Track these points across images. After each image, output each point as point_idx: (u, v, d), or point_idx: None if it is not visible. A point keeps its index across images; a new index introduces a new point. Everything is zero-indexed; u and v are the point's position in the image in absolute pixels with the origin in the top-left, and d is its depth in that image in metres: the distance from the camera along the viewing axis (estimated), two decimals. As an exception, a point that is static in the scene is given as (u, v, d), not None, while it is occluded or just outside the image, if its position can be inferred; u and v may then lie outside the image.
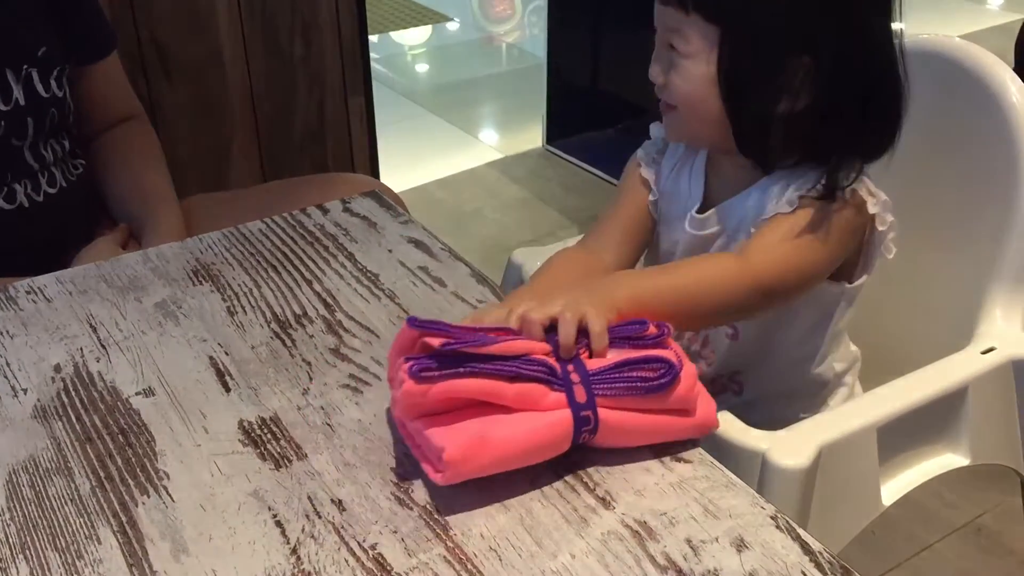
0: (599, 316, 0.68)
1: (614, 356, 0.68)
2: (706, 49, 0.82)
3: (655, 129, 0.98)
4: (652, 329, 0.69)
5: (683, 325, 0.81)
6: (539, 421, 0.64)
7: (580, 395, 0.65)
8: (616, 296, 0.73)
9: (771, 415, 0.96)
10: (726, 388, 0.96)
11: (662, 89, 0.87)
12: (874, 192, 0.85)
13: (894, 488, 0.86)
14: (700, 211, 0.92)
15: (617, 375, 0.66)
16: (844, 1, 0.81)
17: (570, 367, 0.66)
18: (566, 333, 0.67)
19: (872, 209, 0.84)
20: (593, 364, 0.67)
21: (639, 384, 0.66)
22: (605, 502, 0.63)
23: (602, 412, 0.65)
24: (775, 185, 0.86)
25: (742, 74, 0.82)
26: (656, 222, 0.97)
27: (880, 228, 0.85)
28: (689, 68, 0.83)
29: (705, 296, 0.79)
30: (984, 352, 0.89)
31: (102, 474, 0.67)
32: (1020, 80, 0.94)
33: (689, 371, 0.67)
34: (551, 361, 0.66)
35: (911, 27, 0.88)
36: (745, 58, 0.81)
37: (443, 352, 0.63)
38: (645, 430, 0.67)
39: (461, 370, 0.63)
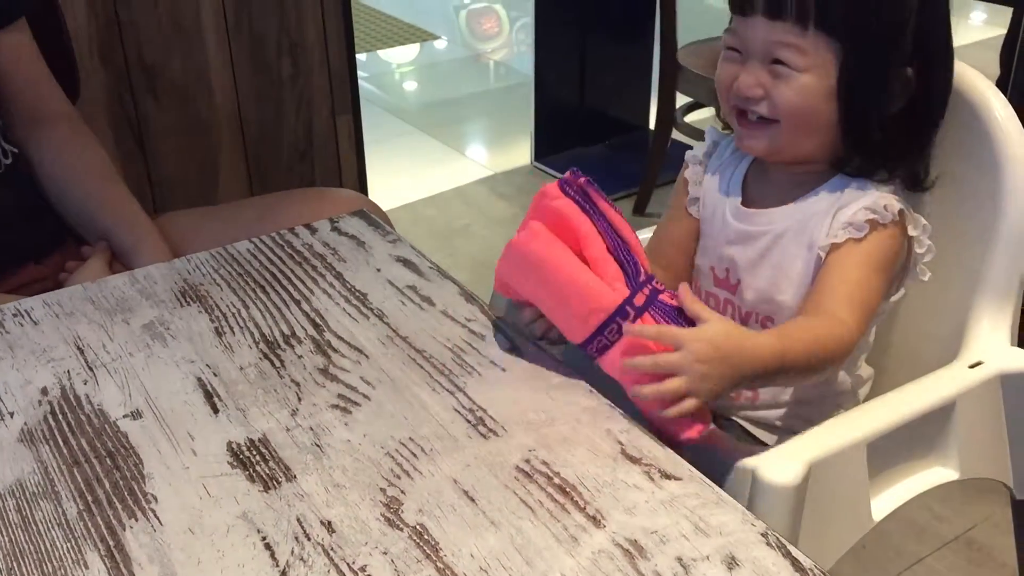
0: (697, 397, 0.73)
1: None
2: (825, 64, 0.85)
3: (710, 133, 1.01)
4: None
5: (785, 383, 0.90)
6: (594, 279, 0.76)
7: (639, 300, 0.76)
8: (749, 379, 0.78)
9: (779, 428, 0.96)
10: (740, 394, 0.97)
11: (757, 102, 0.87)
12: (914, 216, 0.88)
13: (884, 503, 0.86)
14: (745, 206, 0.94)
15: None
16: (937, 14, 0.88)
17: (648, 287, 0.77)
18: (660, 391, 0.73)
19: (912, 232, 0.88)
20: (667, 302, 0.78)
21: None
22: (595, 520, 0.63)
23: (630, 337, 0.74)
24: (829, 198, 0.89)
25: (864, 84, 0.85)
26: (700, 219, 1.00)
27: (918, 251, 0.89)
28: (805, 81, 0.85)
29: (817, 361, 0.82)
30: (972, 366, 0.89)
31: (89, 498, 0.67)
32: (1003, 95, 0.95)
33: None
34: (644, 275, 0.77)
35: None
36: (866, 70, 0.85)
37: (586, 191, 0.79)
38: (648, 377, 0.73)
39: (586, 207, 0.78)
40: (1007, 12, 2.47)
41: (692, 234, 1.00)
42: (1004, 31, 2.51)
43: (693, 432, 0.75)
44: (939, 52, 0.89)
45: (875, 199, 0.87)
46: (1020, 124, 0.92)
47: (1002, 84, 2.34)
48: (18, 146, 1.16)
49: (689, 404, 0.73)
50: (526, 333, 0.83)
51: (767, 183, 0.95)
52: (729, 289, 0.95)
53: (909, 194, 0.92)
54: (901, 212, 0.87)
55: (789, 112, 0.86)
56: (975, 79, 0.94)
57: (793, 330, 0.83)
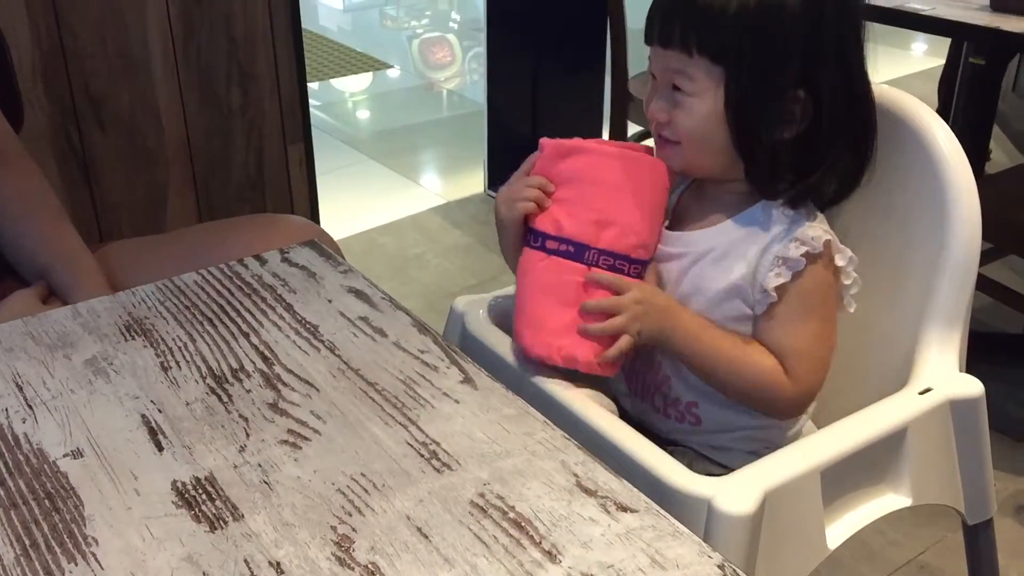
0: (628, 337, 0.88)
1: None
2: (712, 87, 0.88)
3: None
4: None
5: (703, 379, 0.93)
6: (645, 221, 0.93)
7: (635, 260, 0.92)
8: (671, 335, 0.89)
9: (731, 450, 0.96)
10: (684, 418, 0.97)
11: (663, 126, 0.92)
12: (840, 248, 0.90)
13: (839, 531, 0.86)
14: (673, 228, 0.97)
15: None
16: (831, 40, 0.88)
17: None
18: (605, 326, 0.89)
19: (839, 263, 0.90)
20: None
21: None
22: (551, 555, 0.62)
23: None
24: (753, 226, 0.91)
25: (749, 108, 0.88)
26: None
27: (845, 282, 0.91)
28: (696, 106, 0.89)
29: (738, 380, 0.90)
30: (922, 393, 0.90)
31: (27, 541, 0.64)
32: (946, 124, 0.96)
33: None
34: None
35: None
36: (750, 93, 0.87)
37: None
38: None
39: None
40: (948, 43, 2.54)
41: None
42: (943, 62, 2.58)
43: (609, 371, 0.91)
44: (842, 77, 0.89)
45: (803, 229, 0.88)
46: (964, 153, 0.94)
47: (942, 114, 2.39)
48: None
49: (625, 341, 0.88)
50: (512, 196, 0.95)
51: (696, 205, 0.97)
52: None
53: (858, 220, 0.94)
54: (827, 243, 0.89)
55: (686, 136, 0.91)
56: (919, 109, 0.96)
57: (733, 336, 0.90)
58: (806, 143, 0.89)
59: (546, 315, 0.92)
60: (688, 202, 0.98)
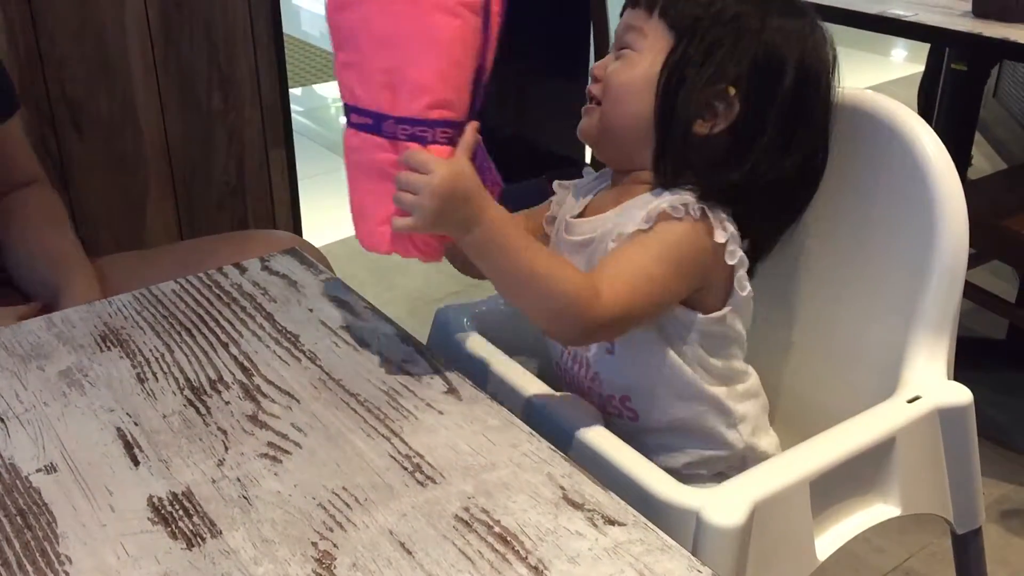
0: (416, 223, 0.78)
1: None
2: (657, 50, 0.90)
3: (586, 171, 1.04)
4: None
5: (501, 293, 0.85)
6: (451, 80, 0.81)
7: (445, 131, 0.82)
8: (474, 223, 0.79)
9: (671, 446, 0.95)
10: (621, 413, 0.95)
11: (597, 83, 0.93)
12: (721, 223, 0.88)
13: (828, 542, 0.85)
14: (576, 218, 0.97)
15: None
16: (782, 60, 0.89)
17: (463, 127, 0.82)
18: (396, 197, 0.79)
19: (720, 238, 0.87)
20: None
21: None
22: (538, 571, 0.61)
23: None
24: (644, 203, 0.89)
25: (680, 81, 0.89)
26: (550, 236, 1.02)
27: (730, 262, 0.88)
28: (636, 60, 0.91)
29: (543, 295, 0.81)
30: (910, 401, 0.89)
31: (-3, 560, 0.62)
32: (932, 129, 0.96)
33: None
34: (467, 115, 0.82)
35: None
36: (687, 70, 0.89)
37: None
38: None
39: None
40: (927, 49, 2.55)
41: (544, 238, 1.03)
42: (923, 68, 2.59)
43: (419, 256, 0.83)
44: (771, 101, 0.88)
45: (679, 198, 0.87)
46: (950, 158, 0.93)
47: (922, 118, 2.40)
48: None
49: (414, 219, 0.78)
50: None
51: (608, 199, 0.96)
52: None
53: (844, 226, 0.93)
54: (704, 212, 0.87)
55: (612, 92, 0.92)
56: (906, 115, 0.95)
57: (538, 245, 0.84)
58: (720, 147, 0.89)
59: (365, 201, 0.83)
60: (602, 198, 0.97)
